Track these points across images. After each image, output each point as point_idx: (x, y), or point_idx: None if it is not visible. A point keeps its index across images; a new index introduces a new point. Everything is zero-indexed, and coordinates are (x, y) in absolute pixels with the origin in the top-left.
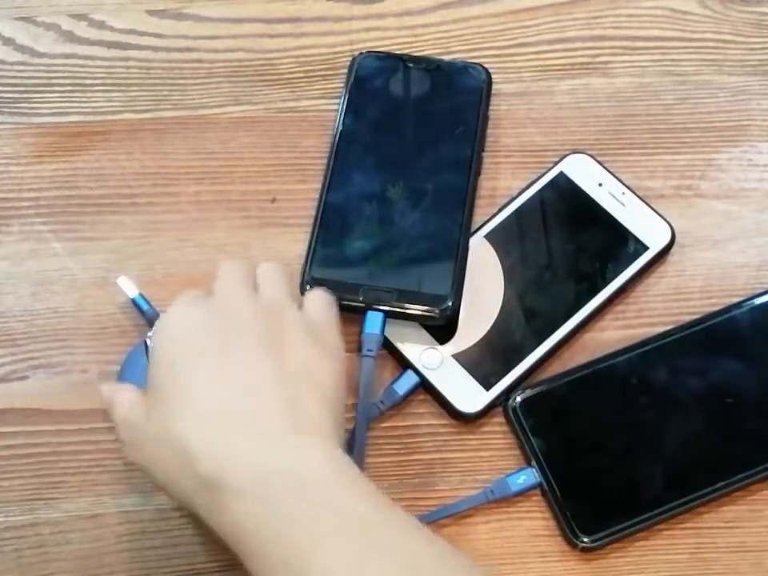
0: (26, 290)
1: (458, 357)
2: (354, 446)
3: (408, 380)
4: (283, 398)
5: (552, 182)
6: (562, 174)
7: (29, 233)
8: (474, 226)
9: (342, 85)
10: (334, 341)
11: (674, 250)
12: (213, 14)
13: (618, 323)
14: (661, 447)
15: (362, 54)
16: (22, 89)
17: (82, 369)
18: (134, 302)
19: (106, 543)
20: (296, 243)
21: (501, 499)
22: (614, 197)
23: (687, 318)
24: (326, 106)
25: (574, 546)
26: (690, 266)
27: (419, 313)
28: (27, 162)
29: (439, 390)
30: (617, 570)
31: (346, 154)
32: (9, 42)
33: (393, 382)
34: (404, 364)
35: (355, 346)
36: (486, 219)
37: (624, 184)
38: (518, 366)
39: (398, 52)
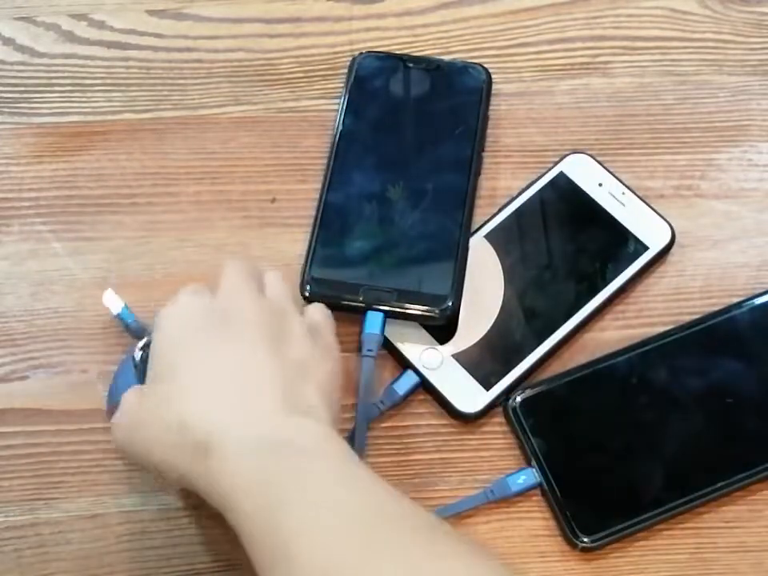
0: (26, 290)
1: (458, 357)
2: (354, 445)
3: (408, 380)
4: (280, 384)
5: (552, 182)
6: (561, 174)
7: (29, 233)
8: (474, 226)
9: (342, 85)
10: (332, 344)
11: (674, 250)
12: (213, 14)
13: (618, 323)
14: (661, 447)
15: (361, 54)
16: (22, 89)
17: (81, 369)
18: (118, 316)
19: (105, 543)
20: (296, 243)
21: (501, 499)
22: (613, 197)
23: (687, 318)
24: (326, 106)
25: (574, 546)
26: (690, 266)
27: (419, 313)
28: (27, 162)
29: (439, 390)
30: (617, 570)
31: (346, 154)
32: (9, 41)
33: (393, 382)
34: (404, 364)
35: (355, 346)
36: (486, 219)
37: (624, 184)
38: (518, 366)
39: (397, 52)
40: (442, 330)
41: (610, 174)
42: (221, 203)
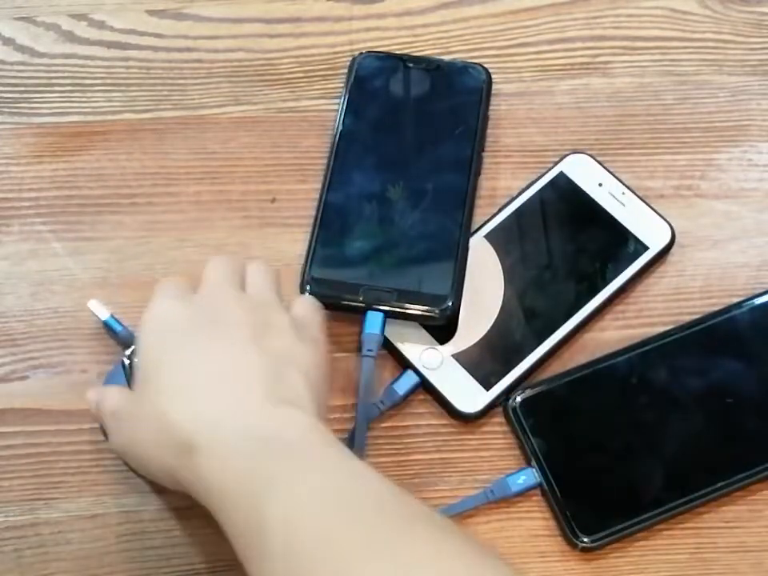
0: (26, 290)
1: (458, 357)
2: (354, 446)
3: (408, 380)
4: (265, 377)
5: (552, 182)
6: (561, 174)
7: (29, 233)
8: (474, 226)
9: (342, 85)
10: (319, 336)
11: (674, 250)
12: (213, 14)
13: (618, 323)
14: (661, 447)
15: (362, 54)
16: (22, 89)
17: (81, 369)
18: (105, 324)
19: (105, 543)
20: (296, 243)
21: (501, 499)
22: (613, 197)
23: (687, 318)
24: (326, 106)
25: (574, 546)
26: (690, 266)
27: (419, 313)
28: (27, 162)
29: (439, 390)
30: (617, 570)
31: (346, 154)
32: (9, 41)
33: (393, 382)
34: (404, 364)
35: (355, 346)
36: (486, 219)
37: (624, 184)
38: (518, 366)
39: (397, 52)
40: (442, 329)
41: (609, 174)
42: (221, 203)
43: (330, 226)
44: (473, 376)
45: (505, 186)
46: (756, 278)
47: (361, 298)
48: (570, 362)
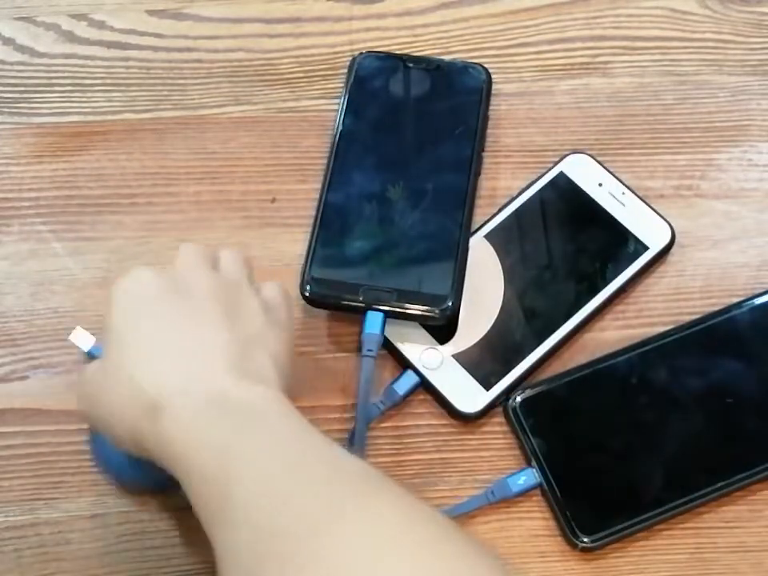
0: (26, 290)
1: (458, 357)
2: (354, 446)
3: (408, 380)
4: (232, 351)
5: (552, 182)
6: (561, 174)
7: (29, 233)
8: (474, 226)
9: (342, 85)
10: (286, 319)
11: (674, 250)
12: (213, 14)
13: (618, 323)
14: (661, 447)
15: (361, 53)
16: (22, 89)
17: (81, 369)
18: (89, 354)
19: (105, 543)
20: (296, 243)
21: (501, 500)
22: (613, 197)
23: (687, 318)
24: (326, 106)
25: (574, 546)
26: (690, 266)
27: (419, 313)
28: (27, 162)
29: (439, 390)
30: (617, 570)
31: (345, 154)
32: (9, 41)
33: (393, 382)
34: (404, 364)
35: (355, 346)
36: (486, 219)
37: (624, 184)
38: (518, 365)
39: (397, 52)
40: (442, 329)
41: (609, 174)
42: (221, 203)
43: (330, 226)
44: (473, 376)
45: (505, 186)
46: (756, 278)
47: (361, 298)
48: (570, 362)
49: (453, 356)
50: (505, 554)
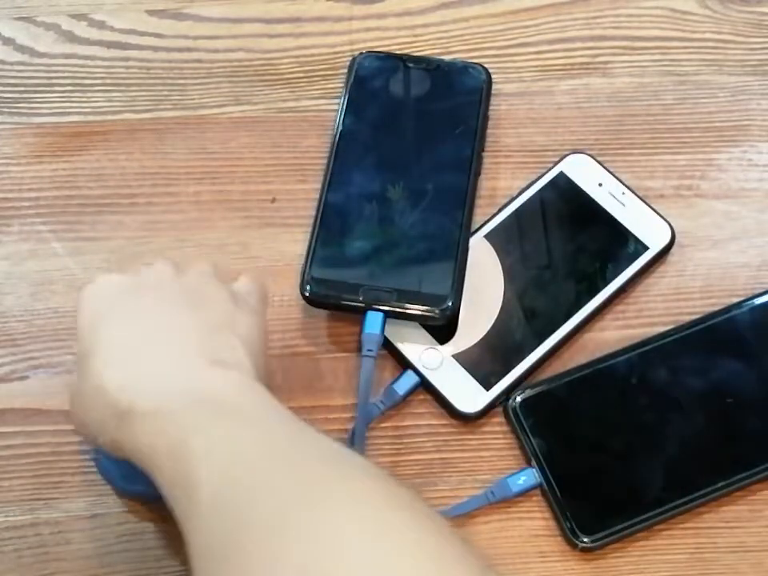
0: (26, 290)
1: (458, 357)
2: (354, 446)
3: (408, 380)
4: (199, 338)
5: (552, 182)
6: (561, 174)
7: (29, 233)
8: (474, 226)
9: (342, 85)
10: (258, 307)
11: (673, 250)
12: (213, 14)
13: (618, 323)
14: (661, 447)
15: (361, 53)
16: (22, 89)
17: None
18: None
19: (105, 543)
20: (296, 243)
21: (501, 500)
22: (613, 197)
23: (687, 318)
24: (326, 106)
25: (574, 546)
26: (690, 266)
27: (419, 313)
28: (27, 162)
29: (439, 390)
30: (617, 570)
31: (345, 153)
32: (9, 41)
33: (393, 382)
34: (404, 364)
35: (355, 346)
36: (486, 219)
37: (624, 184)
38: (518, 366)
39: (397, 52)
40: (442, 329)
41: (610, 174)
42: (221, 203)
43: (330, 226)
44: (473, 376)
45: (505, 186)
46: (756, 278)
47: (361, 298)
48: (570, 362)
49: (453, 356)
50: (505, 554)
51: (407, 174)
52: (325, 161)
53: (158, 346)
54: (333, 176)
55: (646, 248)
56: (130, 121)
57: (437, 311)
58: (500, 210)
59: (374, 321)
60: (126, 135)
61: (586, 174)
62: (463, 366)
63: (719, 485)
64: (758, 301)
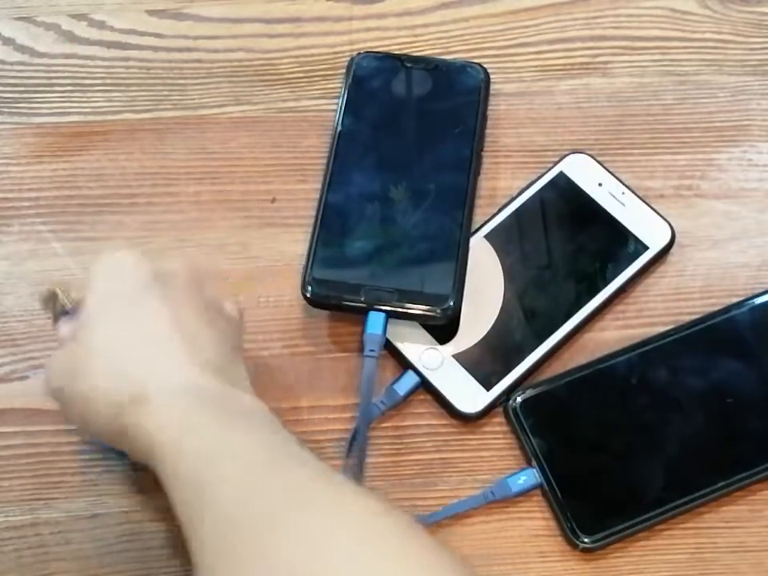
0: (26, 290)
1: (458, 357)
2: (354, 445)
3: (408, 380)
4: (184, 339)
5: (552, 182)
6: (561, 174)
7: (29, 233)
8: (474, 226)
9: (341, 85)
10: (233, 316)
11: (673, 249)
12: (213, 14)
13: (618, 323)
14: (661, 447)
15: (359, 54)
16: (22, 89)
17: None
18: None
19: (105, 543)
20: (296, 243)
21: (501, 500)
22: (613, 197)
23: (687, 318)
24: (326, 106)
25: (574, 546)
26: (690, 266)
27: (421, 313)
28: (27, 162)
29: (439, 390)
30: (617, 570)
31: (345, 154)
32: (9, 41)
33: (393, 383)
34: (404, 364)
35: (356, 346)
36: (486, 219)
37: (624, 184)
38: (519, 366)
39: (397, 52)
40: (443, 330)
41: (609, 174)
42: (221, 203)
43: (331, 227)
44: (473, 376)
45: (505, 186)
46: (756, 278)
47: (362, 299)
48: (570, 362)
49: (453, 356)
50: (505, 554)
51: (407, 173)
52: (325, 161)
53: (171, 342)
54: (332, 176)
55: (645, 248)
56: (130, 121)
57: (438, 311)
58: (500, 210)
59: (375, 321)
60: (126, 135)
61: (585, 174)
62: (463, 366)
63: (719, 485)
64: (758, 301)
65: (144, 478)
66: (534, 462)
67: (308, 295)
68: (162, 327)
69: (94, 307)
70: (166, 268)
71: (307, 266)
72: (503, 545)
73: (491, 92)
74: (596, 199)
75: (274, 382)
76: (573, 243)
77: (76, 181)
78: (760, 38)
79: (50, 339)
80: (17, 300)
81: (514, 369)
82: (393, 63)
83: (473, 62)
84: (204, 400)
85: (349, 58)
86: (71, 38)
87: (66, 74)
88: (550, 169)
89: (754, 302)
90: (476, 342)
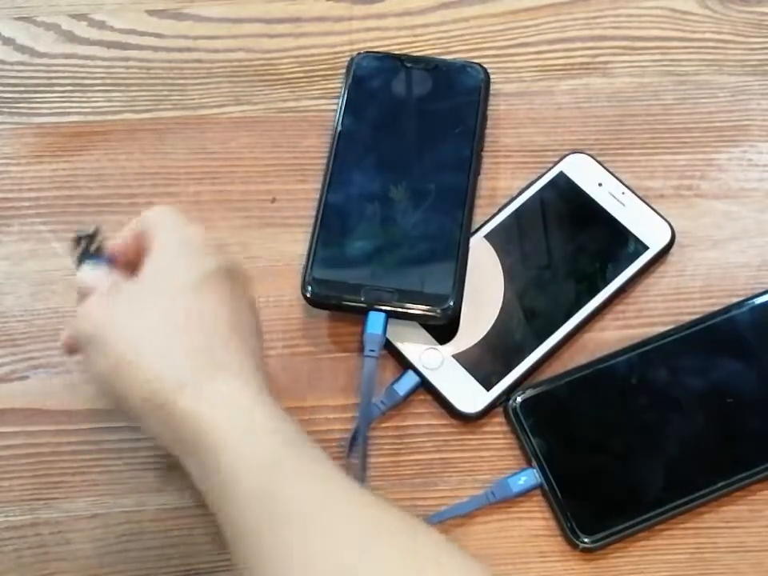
0: (26, 290)
1: (458, 357)
2: (355, 446)
3: (408, 380)
4: (239, 345)
5: (552, 182)
6: (561, 174)
7: (29, 233)
8: (474, 226)
9: (341, 85)
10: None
11: (673, 249)
12: (213, 14)
13: (618, 323)
14: (661, 447)
15: (359, 54)
16: (22, 89)
17: (81, 369)
18: None
19: (106, 543)
20: (296, 243)
21: (502, 500)
22: (613, 197)
23: (687, 318)
24: (326, 106)
25: (574, 546)
26: (690, 266)
27: (421, 313)
28: (27, 162)
29: (439, 390)
30: (617, 570)
31: (345, 154)
32: (9, 41)
33: (393, 383)
34: (404, 364)
35: (357, 346)
36: (486, 219)
37: (624, 184)
38: (519, 366)
39: (397, 52)
40: (443, 330)
41: (609, 174)
42: (221, 203)
43: (331, 227)
44: (473, 376)
45: (505, 186)
46: (756, 278)
47: (362, 299)
48: (570, 362)
49: (453, 356)
50: (505, 554)
51: (407, 173)
52: (325, 161)
53: (218, 342)
54: (332, 176)
55: (645, 248)
56: (130, 121)
57: (438, 311)
58: (500, 210)
59: (375, 321)
60: (126, 135)
61: (585, 174)
62: (463, 366)
63: (719, 485)
64: (758, 301)
65: (144, 478)
66: (534, 462)
67: (308, 295)
68: (222, 328)
69: (160, 271)
70: (228, 263)
71: (307, 265)
72: (503, 545)
73: (491, 92)
74: (596, 199)
75: (274, 381)
76: (573, 243)
77: (76, 181)
78: (760, 38)
79: (49, 339)
80: (17, 300)
81: (514, 369)
82: (393, 63)
83: (473, 62)
84: (263, 407)
85: (349, 58)
86: (71, 37)
87: (65, 74)
88: (549, 169)
89: (753, 302)
90: (476, 342)
